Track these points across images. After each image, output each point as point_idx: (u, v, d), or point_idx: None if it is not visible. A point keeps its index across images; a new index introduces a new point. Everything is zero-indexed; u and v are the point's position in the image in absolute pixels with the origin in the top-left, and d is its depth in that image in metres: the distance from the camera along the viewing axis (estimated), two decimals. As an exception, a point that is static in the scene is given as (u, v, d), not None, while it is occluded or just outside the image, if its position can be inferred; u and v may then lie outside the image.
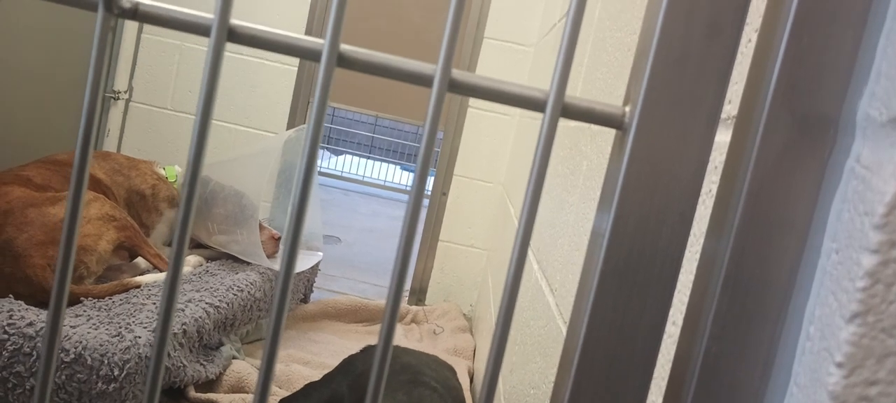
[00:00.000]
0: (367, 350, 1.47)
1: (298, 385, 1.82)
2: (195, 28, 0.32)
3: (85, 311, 1.69)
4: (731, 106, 0.52)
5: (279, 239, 2.40)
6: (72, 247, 0.33)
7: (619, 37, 1.11)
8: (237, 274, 2.15)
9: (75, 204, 0.33)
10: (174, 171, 2.40)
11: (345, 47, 0.32)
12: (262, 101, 2.88)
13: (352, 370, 1.32)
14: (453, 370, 1.66)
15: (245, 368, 1.92)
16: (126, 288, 1.87)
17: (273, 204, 2.86)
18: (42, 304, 1.68)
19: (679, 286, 0.36)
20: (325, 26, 0.33)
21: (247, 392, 1.86)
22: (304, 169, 0.32)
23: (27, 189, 1.87)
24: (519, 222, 0.33)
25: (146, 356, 1.55)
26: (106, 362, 1.50)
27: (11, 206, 1.78)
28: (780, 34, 0.34)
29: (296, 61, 2.85)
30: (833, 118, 0.35)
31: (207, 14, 0.32)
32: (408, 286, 2.92)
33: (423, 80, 0.33)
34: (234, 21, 0.32)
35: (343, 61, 0.32)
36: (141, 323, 1.64)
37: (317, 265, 2.67)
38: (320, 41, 0.32)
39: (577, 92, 1.43)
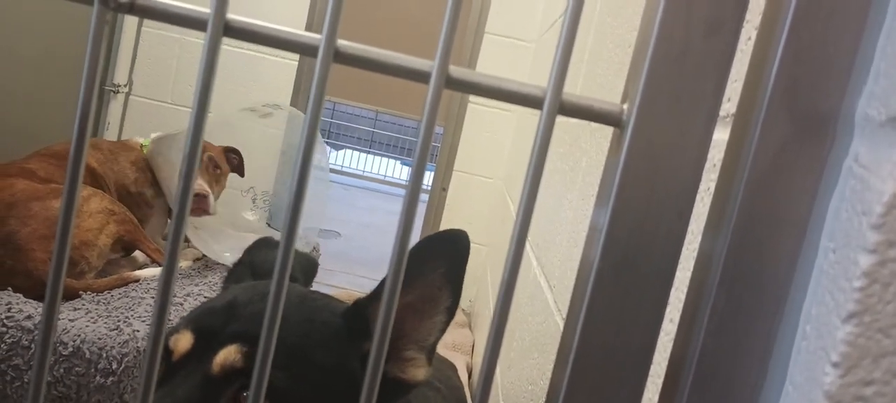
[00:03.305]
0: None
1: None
2: (191, 22, 0.32)
3: (83, 305, 1.69)
4: (731, 104, 0.52)
5: (202, 195, 2.18)
6: (67, 239, 0.33)
7: (620, 33, 1.10)
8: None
9: (70, 199, 0.33)
10: (148, 140, 2.36)
11: (342, 43, 0.32)
12: (262, 95, 2.87)
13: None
14: (454, 367, 1.66)
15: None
16: (125, 283, 1.87)
17: (276, 180, 2.82)
18: (42, 298, 1.68)
19: (676, 283, 0.36)
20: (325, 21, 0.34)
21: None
22: (300, 164, 0.32)
23: (31, 181, 1.87)
24: (515, 219, 0.33)
25: (145, 350, 1.55)
26: (104, 356, 1.50)
27: (15, 199, 1.78)
28: (780, 32, 0.34)
29: (296, 55, 2.84)
30: (832, 117, 0.34)
31: (204, 8, 0.32)
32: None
33: (421, 77, 0.32)
34: (231, 16, 0.32)
35: (340, 57, 0.32)
36: (139, 317, 1.64)
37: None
38: (317, 36, 0.32)
39: (578, 88, 1.43)
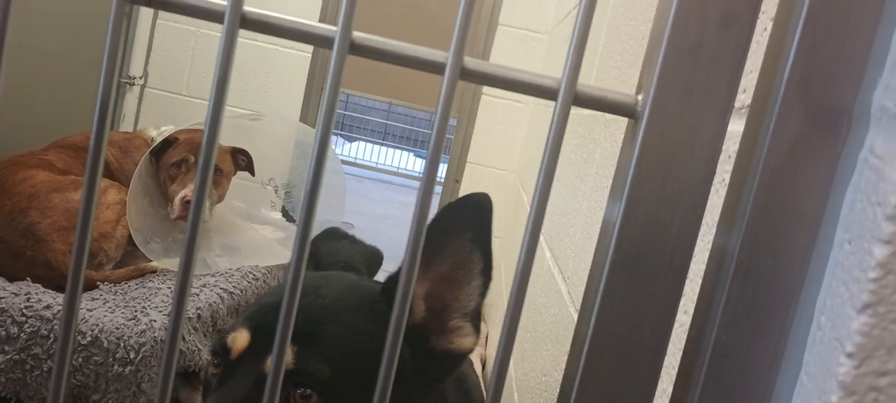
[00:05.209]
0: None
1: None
2: (209, 15, 0.32)
3: (101, 295, 1.71)
4: (746, 95, 0.52)
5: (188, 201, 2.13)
6: (88, 231, 0.34)
7: (634, 25, 1.10)
8: (252, 261, 2.17)
9: (90, 190, 0.34)
10: (158, 132, 2.32)
11: (357, 34, 0.32)
12: (276, 88, 2.88)
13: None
14: (470, 362, 1.66)
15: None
16: (142, 273, 1.89)
17: (291, 172, 2.82)
18: (60, 288, 1.71)
19: (691, 275, 0.36)
20: (339, 13, 0.34)
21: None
22: (316, 155, 0.33)
23: (51, 173, 1.89)
24: (530, 209, 0.33)
25: (161, 339, 1.56)
26: (122, 345, 1.51)
27: (36, 190, 1.81)
28: (795, 24, 0.34)
29: (310, 48, 2.85)
30: (847, 108, 0.34)
31: (221, 0, 0.32)
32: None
33: (435, 68, 0.33)
34: (247, 8, 0.32)
35: (355, 49, 0.32)
36: (156, 307, 1.66)
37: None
38: (333, 28, 0.32)
39: (592, 80, 1.42)
